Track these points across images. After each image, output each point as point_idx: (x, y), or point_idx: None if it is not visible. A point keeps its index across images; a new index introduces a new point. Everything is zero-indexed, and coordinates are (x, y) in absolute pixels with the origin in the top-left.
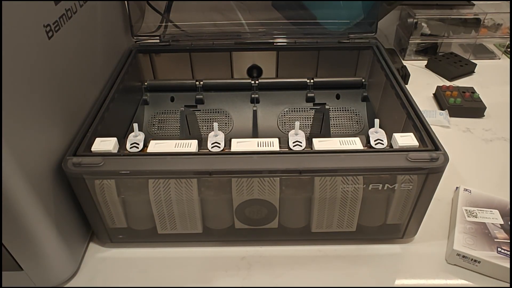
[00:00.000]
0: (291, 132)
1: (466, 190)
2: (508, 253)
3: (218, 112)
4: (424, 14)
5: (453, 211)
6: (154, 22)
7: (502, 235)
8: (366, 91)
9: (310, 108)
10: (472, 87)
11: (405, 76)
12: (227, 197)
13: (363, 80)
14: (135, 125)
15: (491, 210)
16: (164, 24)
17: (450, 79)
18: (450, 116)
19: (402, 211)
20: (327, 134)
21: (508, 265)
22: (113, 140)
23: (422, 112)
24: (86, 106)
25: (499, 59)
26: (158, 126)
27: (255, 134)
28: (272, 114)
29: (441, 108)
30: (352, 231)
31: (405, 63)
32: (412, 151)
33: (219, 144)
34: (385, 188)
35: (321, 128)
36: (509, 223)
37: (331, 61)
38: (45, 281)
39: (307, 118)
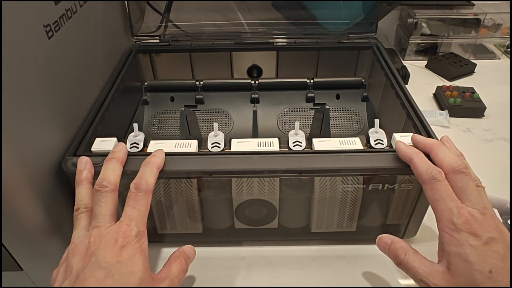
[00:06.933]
0: (291, 132)
1: None
2: None
3: (218, 112)
4: (424, 14)
5: None
6: (154, 22)
7: None
8: (366, 91)
9: (310, 108)
10: (472, 87)
11: (405, 76)
12: (227, 197)
13: (363, 80)
14: (135, 125)
15: None
16: (164, 24)
17: (450, 79)
18: (450, 116)
19: (402, 211)
20: (327, 134)
21: None
22: (113, 140)
23: (422, 112)
24: (86, 106)
25: (499, 59)
26: (158, 126)
27: (255, 134)
28: (272, 114)
29: (441, 108)
30: (352, 231)
31: (405, 63)
32: None
33: (219, 144)
34: (385, 188)
35: (321, 128)
36: (508, 221)
37: (331, 61)
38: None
39: (307, 118)
